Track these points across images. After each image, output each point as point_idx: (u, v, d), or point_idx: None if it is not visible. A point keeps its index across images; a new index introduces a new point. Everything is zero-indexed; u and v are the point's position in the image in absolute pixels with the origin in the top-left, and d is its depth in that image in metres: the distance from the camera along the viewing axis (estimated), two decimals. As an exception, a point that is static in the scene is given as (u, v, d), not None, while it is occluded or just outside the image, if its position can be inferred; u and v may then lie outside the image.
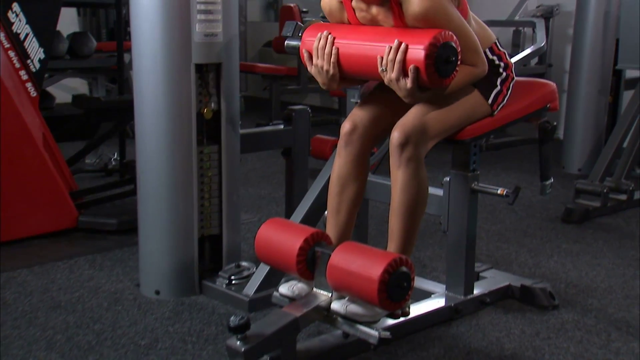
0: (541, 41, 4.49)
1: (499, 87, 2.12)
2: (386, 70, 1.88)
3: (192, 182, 2.50)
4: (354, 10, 2.04)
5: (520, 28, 5.12)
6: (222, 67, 2.54)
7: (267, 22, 7.72)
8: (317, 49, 2.02)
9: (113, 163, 4.26)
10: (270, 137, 2.94)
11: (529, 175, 4.43)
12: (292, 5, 6.06)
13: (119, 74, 3.67)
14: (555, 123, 2.32)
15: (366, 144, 2.09)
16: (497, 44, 2.16)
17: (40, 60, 3.09)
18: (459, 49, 1.87)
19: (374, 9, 1.99)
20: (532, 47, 4.47)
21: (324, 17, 2.30)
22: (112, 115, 3.42)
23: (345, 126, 2.09)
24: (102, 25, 5.82)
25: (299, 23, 2.21)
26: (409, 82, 1.85)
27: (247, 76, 6.89)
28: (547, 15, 4.99)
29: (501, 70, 2.13)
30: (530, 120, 2.29)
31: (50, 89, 4.88)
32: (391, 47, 1.86)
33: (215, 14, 2.48)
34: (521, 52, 4.79)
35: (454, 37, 1.86)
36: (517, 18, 5.09)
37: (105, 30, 5.78)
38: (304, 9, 6.20)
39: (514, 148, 5.27)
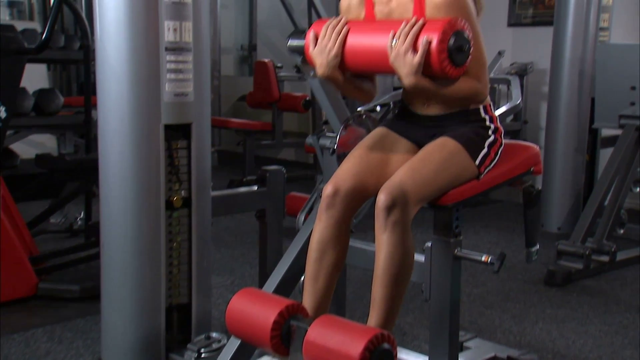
0: (517, 98, 4.47)
1: (486, 149, 2.03)
2: (396, 43, 1.80)
3: (159, 248, 2.37)
4: (373, 4, 1.98)
5: (495, 85, 5.13)
6: (192, 127, 2.44)
7: (241, 76, 7.69)
8: (326, 27, 1.94)
9: (79, 223, 4.09)
10: (243, 199, 2.83)
11: (508, 233, 4.35)
12: (266, 60, 6.03)
13: (86, 131, 3.55)
14: (540, 188, 2.24)
15: (349, 207, 1.98)
16: (491, 105, 2.09)
17: (1, 120, 2.95)
18: (472, 41, 1.80)
19: (394, 2, 1.94)
20: (508, 104, 4.44)
21: (298, 71, 2.23)
22: (77, 174, 3.28)
23: (327, 189, 1.98)
24: (73, 79, 5.71)
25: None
26: (417, 57, 1.77)
27: (220, 130, 6.80)
28: (522, 72, 5.01)
29: (490, 132, 2.05)
30: (514, 184, 2.21)
31: (16, 145, 4.73)
32: (407, 23, 1.80)
33: (186, 72, 2.39)
34: (497, 109, 4.77)
35: (469, 28, 1.80)
36: (492, 75, 5.09)
37: (77, 84, 5.68)
38: (279, 64, 6.17)
39: (492, 205, 5.21)
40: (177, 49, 2.35)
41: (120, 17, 2.28)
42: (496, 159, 2.05)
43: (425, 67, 1.78)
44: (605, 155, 4.27)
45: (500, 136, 2.07)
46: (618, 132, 3.83)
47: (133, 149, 2.35)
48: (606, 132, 4.26)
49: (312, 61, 1.99)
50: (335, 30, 1.91)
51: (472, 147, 1.99)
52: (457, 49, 1.76)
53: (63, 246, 3.35)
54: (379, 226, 1.86)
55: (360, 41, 1.90)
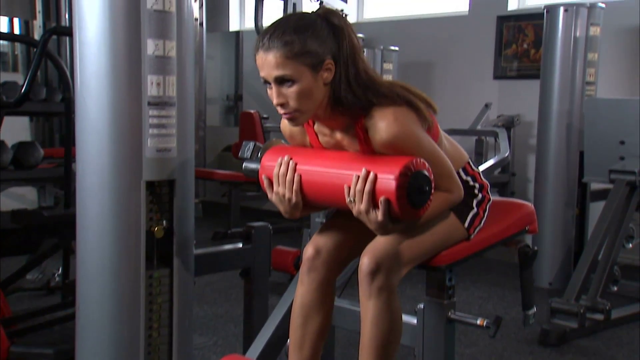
0: (505, 151, 4.46)
1: (475, 209, 1.98)
2: (354, 201, 1.72)
3: (139, 310, 2.24)
4: (316, 134, 1.90)
5: (483, 137, 5.11)
6: (175, 184, 2.35)
7: (226, 127, 7.65)
8: (277, 175, 1.85)
9: (57, 279, 3.95)
10: (227, 257, 2.73)
11: (499, 288, 4.26)
12: (252, 111, 5.99)
13: (66, 184, 3.45)
14: (536, 248, 2.17)
15: (331, 270, 1.91)
16: (471, 163, 2.03)
17: (-23, 173, 2.86)
18: (432, 177, 1.73)
19: (338, 134, 1.86)
20: (496, 157, 4.43)
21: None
22: (55, 230, 3.17)
23: (308, 251, 1.91)
24: (56, 130, 5.63)
25: (257, 144, 2.05)
26: (379, 215, 1.69)
27: (205, 181, 6.72)
28: (509, 125, 5.00)
29: (476, 191, 1.99)
30: (509, 244, 2.14)
31: (-5, 198, 4.61)
32: (359, 177, 1.70)
33: (169, 127, 2.31)
34: (485, 161, 4.74)
35: (426, 165, 1.72)
36: (479, 127, 5.08)
37: (59, 135, 5.59)
38: (265, 115, 6.13)
39: (480, 259, 5.11)
40: (160, 103, 2.28)
41: (101, 70, 2.21)
42: (485, 217, 1.99)
43: (392, 216, 1.71)
44: (595, 208, 4.23)
45: (487, 192, 2.02)
46: (608, 185, 3.80)
47: (112, 205, 2.25)
48: (595, 185, 4.22)
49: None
50: (287, 180, 1.83)
51: (459, 208, 1.93)
52: (418, 192, 1.69)
53: (39, 305, 3.21)
54: (363, 292, 1.78)
55: (319, 185, 1.82)
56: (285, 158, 1.85)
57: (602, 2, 4.22)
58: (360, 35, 5.60)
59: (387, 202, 1.67)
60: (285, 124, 1.97)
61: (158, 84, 2.26)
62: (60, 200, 4.57)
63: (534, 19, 5.09)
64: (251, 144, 2.07)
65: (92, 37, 2.21)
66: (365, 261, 1.76)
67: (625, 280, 3.81)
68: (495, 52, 5.36)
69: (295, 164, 1.84)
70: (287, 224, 5.98)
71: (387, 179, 1.68)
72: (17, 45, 5.93)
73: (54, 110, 3.83)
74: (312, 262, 1.89)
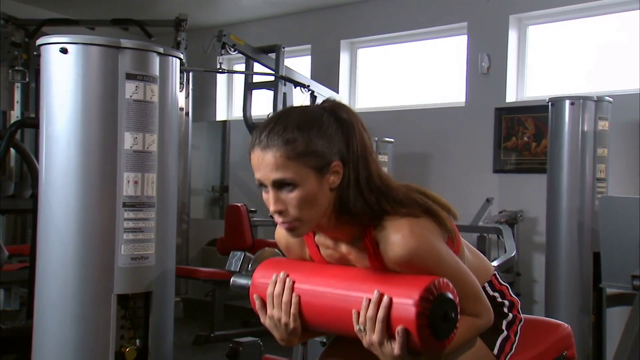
0: (511, 250, 4.18)
1: (505, 332, 1.68)
2: (365, 330, 1.42)
3: None
4: (317, 246, 1.62)
5: (485, 234, 4.83)
6: (152, 297, 2.02)
7: (211, 219, 7.34)
8: (271, 295, 1.56)
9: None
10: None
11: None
12: (239, 204, 5.70)
13: (29, 292, 3.09)
14: (579, 379, 1.84)
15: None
16: (497, 276, 1.74)
17: None
18: (458, 300, 1.44)
19: (344, 247, 1.58)
20: (502, 257, 4.14)
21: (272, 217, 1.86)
22: (15, 346, 2.80)
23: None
24: (28, 225, 5.29)
25: (247, 254, 1.75)
26: (396, 348, 1.40)
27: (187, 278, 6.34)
28: (512, 221, 4.73)
29: (506, 310, 1.70)
30: (545, 374, 1.82)
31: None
32: (370, 300, 1.42)
33: (147, 232, 2.01)
34: (491, 261, 4.44)
35: (451, 286, 1.44)
36: (481, 224, 4.81)
37: (32, 230, 5.25)
38: (252, 209, 5.84)
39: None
40: (137, 204, 1.99)
41: (70, 168, 1.92)
42: (516, 341, 1.69)
43: (410, 347, 1.42)
44: (611, 314, 3.91)
45: (518, 311, 1.73)
46: (625, 289, 3.50)
47: (76, 322, 1.95)
48: (611, 289, 3.92)
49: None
50: (284, 302, 1.54)
51: (487, 331, 1.63)
52: (442, 320, 1.41)
53: None
54: None
55: (321, 309, 1.53)
56: (281, 275, 1.57)
57: (609, 96, 4.05)
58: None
59: (406, 332, 1.39)
60: (281, 233, 1.69)
61: (135, 182, 1.97)
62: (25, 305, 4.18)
63: (535, 112, 4.92)
64: (240, 255, 1.79)
65: (60, 131, 1.94)
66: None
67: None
68: (494, 145, 5.16)
69: (293, 282, 1.56)
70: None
71: (405, 305, 1.39)
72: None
73: (22, 207, 3.53)
74: None
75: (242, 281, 1.73)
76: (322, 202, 1.48)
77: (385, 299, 1.41)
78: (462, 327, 1.49)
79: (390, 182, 1.54)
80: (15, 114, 5.35)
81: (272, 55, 5.13)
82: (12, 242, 5.17)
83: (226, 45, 4.78)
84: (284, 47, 5.09)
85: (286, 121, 1.47)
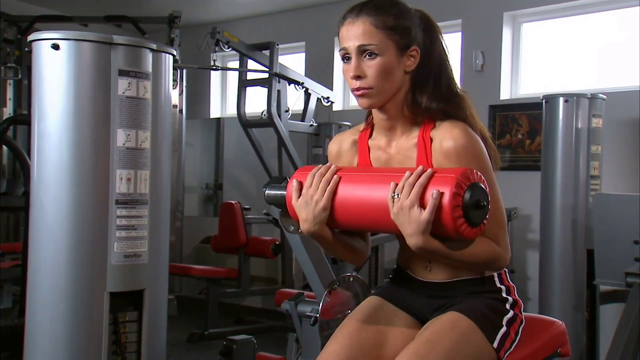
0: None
1: (505, 327, 1.68)
2: (399, 196, 1.45)
3: None
4: (369, 149, 1.69)
5: (479, 232, 4.84)
6: (145, 295, 2.01)
7: (205, 217, 7.32)
8: (313, 174, 1.60)
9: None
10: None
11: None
12: (233, 202, 5.68)
13: (22, 289, 3.08)
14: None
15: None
16: (507, 272, 1.73)
17: None
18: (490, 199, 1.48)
19: (394, 148, 1.65)
20: (496, 255, 4.12)
21: (267, 214, 1.86)
22: (7, 344, 2.79)
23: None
24: (21, 222, 5.26)
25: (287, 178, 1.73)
26: (425, 213, 1.41)
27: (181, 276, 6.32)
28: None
29: (508, 306, 1.71)
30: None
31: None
32: (412, 173, 1.47)
33: (140, 229, 2.00)
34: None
35: (487, 184, 1.48)
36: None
37: (24, 227, 5.22)
38: (246, 206, 5.83)
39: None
40: (130, 201, 1.98)
41: (62, 165, 1.91)
42: (517, 340, 1.70)
43: (435, 226, 1.43)
44: (605, 311, 3.91)
45: (520, 311, 1.74)
46: (618, 286, 3.50)
47: (68, 320, 1.94)
48: (605, 286, 3.92)
49: (294, 214, 1.63)
50: (324, 179, 1.58)
51: (488, 325, 1.64)
52: (473, 205, 1.43)
53: None
54: None
55: (354, 192, 1.56)
56: (328, 164, 1.64)
57: (603, 93, 4.05)
58: (346, 123, 5.41)
59: (439, 197, 1.41)
60: (335, 141, 1.79)
61: (128, 180, 1.96)
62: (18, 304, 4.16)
63: (529, 109, 4.92)
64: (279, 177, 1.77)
65: (52, 127, 1.92)
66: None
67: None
68: (488, 143, 5.16)
69: (337, 169, 1.61)
70: (270, 324, 5.58)
71: (444, 179, 1.44)
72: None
73: (14, 204, 3.51)
74: None
75: (277, 192, 1.70)
76: (396, 78, 1.60)
77: (428, 170, 1.46)
78: (483, 244, 1.53)
79: (458, 91, 1.67)
80: (7, 111, 5.32)
81: (266, 52, 5.11)
82: (5, 240, 5.15)
83: (220, 42, 4.76)
84: (278, 44, 5.07)
85: (379, 2, 1.61)
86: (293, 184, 1.63)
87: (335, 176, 1.58)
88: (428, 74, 1.64)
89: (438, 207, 1.41)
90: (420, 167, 1.47)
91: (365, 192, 1.54)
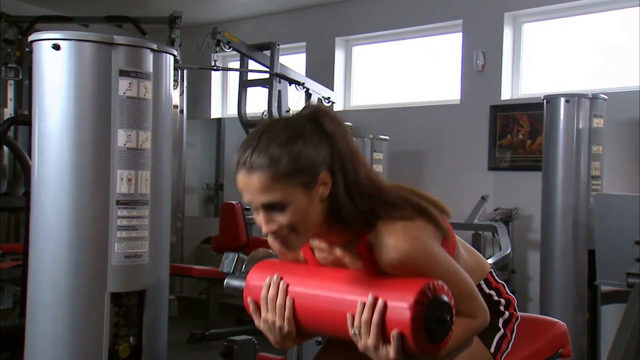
0: (507, 248, 4.17)
1: (501, 330, 1.68)
2: (360, 334, 1.41)
3: None
4: (312, 249, 1.61)
5: (480, 232, 4.82)
6: (146, 295, 2.01)
7: (206, 217, 7.32)
8: (265, 299, 1.55)
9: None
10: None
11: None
12: (233, 202, 5.68)
13: (23, 290, 3.08)
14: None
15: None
16: (493, 274, 1.74)
17: None
18: (453, 303, 1.44)
19: (338, 251, 1.56)
20: (497, 254, 4.13)
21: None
22: (7, 344, 2.78)
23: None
24: (22, 222, 5.26)
25: (241, 255, 1.74)
26: (391, 352, 1.39)
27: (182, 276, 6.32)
28: (507, 219, 4.73)
29: (502, 308, 1.70)
30: (541, 373, 1.82)
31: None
32: (365, 304, 1.41)
33: (141, 230, 1.99)
34: (486, 259, 4.44)
35: (445, 288, 1.43)
36: (476, 221, 4.80)
37: (24, 228, 5.22)
38: (247, 206, 5.83)
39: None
40: (130, 202, 1.97)
41: (62, 166, 1.91)
42: (513, 339, 1.69)
43: (406, 350, 1.41)
44: (606, 312, 3.90)
45: (515, 309, 1.73)
46: (619, 287, 3.49)
47: (69, 320, 1.93)
48: (606, 287, 3.91)
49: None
50: (278, 305, 1.53)
51: (484, 330, 1.62)
52: (437, 323, 1.40)
53: None
54: None
55: (316, 312, 1.52)
56: (275, 278, 1.55)
57: (604, 94, 4.04)
58: (348, 123, 5.41)
59: (401, 337, 1.38)
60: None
61: (129, 180, 1.96)
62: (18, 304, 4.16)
63: (530, 109, 4.92)
64: (233, 256, 1.77)
65: (53, 128, 1.92)
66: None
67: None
68: (489, 143, 5.16)
69: (287, 286, 1.54)
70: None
71: (400, 309, 1.39)
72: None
73: (15, 205, 3.51)
74: None
75: (236, 283, 1.72)
76: (314, 215, 1.45)
77: (379, 302, 1.40)
78: (458, 328, 1.49)
79: (381, 184, 1.52)
80: (8, 112, 5.32)
81: (267, 53, 5.11)
82: (5, 240, 5.14)
83: (221, 43, 4.76)
84: (278, 45, 5.07)
85: (268, 138, 1.43)
86: (250, 305, 1.59)
87: (288, 299, 1.52)
88: (343, 184, 1.46)
89: (403, 340, 1.38)
90: (371, 299, 1.40)
91: (324, 317, 1.50)
